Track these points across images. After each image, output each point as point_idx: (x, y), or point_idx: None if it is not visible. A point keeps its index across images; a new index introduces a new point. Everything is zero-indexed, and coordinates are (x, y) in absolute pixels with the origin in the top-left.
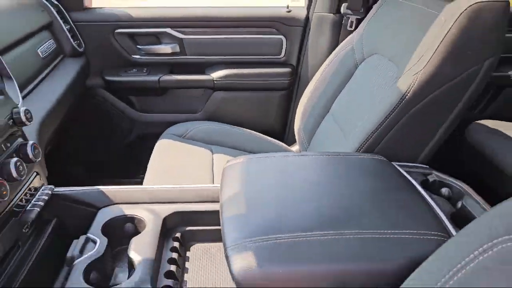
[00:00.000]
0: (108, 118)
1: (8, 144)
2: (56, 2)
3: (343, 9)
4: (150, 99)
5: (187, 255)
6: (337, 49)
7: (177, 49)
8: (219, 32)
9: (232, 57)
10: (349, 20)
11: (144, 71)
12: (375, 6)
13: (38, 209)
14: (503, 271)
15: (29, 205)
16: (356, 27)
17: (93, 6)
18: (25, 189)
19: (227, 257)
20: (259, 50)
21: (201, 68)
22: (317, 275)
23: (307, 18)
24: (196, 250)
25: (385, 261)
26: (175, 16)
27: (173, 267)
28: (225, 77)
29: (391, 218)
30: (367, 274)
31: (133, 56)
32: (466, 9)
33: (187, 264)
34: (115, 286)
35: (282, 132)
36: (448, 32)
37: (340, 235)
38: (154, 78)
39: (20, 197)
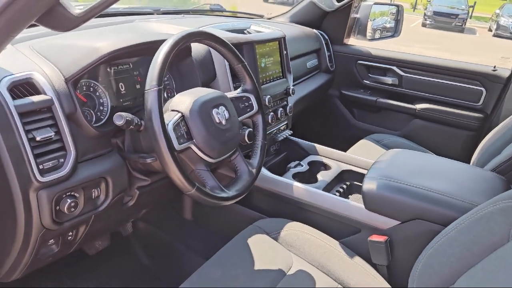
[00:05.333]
0: (335, 119)
1: (280, 102)
2: (326, 37)
3: None
4: (367, 113)
5: (348, 196)
6: None
7: (396, 82)
8: (431, 76)
9: (436, 96)
10: None
11: (368, 92)
12: None
13: (281, 138)
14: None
15: (279, 135)
16: None
17: (348, 43)
18: (279, 127)
19: (363, 182)
20: (460, 95)
21: (410, 99)
22: (407, 204)
23: (509, 78)
24: (356, 197)
25: (443, 209)
26: (400, 59)
27: (337, 194)
28: (426, 110)
29: (466, 192)
30: (432, 212)
31: (364, 80)
32: None
33: None
34: (306, 184)
35: None
36: None
37: (430, 191)
38: (373, 98)
39: (275, 130)
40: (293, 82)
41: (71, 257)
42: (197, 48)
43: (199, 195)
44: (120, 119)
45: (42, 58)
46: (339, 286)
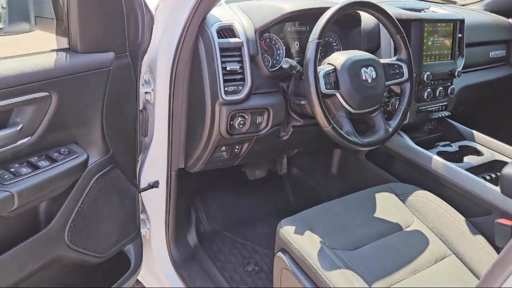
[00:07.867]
0: None
1: (442, 82)
2: None
3: None
4: None
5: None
6: None
7: None
8: None
9: None
10: None
11: None
12: None
13: (435, 116)
14: None
15: (434, 113)
16: None
17: None
18: (436, 106)
19: (505, 166)
20: None
21: None
22: None
23: None
24: None
25: None
26: None
27: None
28: None
29: None
30: None
31: None
32: None
33: None
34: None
35: None
36: None
37: None
38: None
39: (433, 108)
40: (469, 68)
41: (236, 178)
42: (367, 20)
43: (333, 133)
44: (286, 63)
45: (243, 13)
46: (453, 256)
